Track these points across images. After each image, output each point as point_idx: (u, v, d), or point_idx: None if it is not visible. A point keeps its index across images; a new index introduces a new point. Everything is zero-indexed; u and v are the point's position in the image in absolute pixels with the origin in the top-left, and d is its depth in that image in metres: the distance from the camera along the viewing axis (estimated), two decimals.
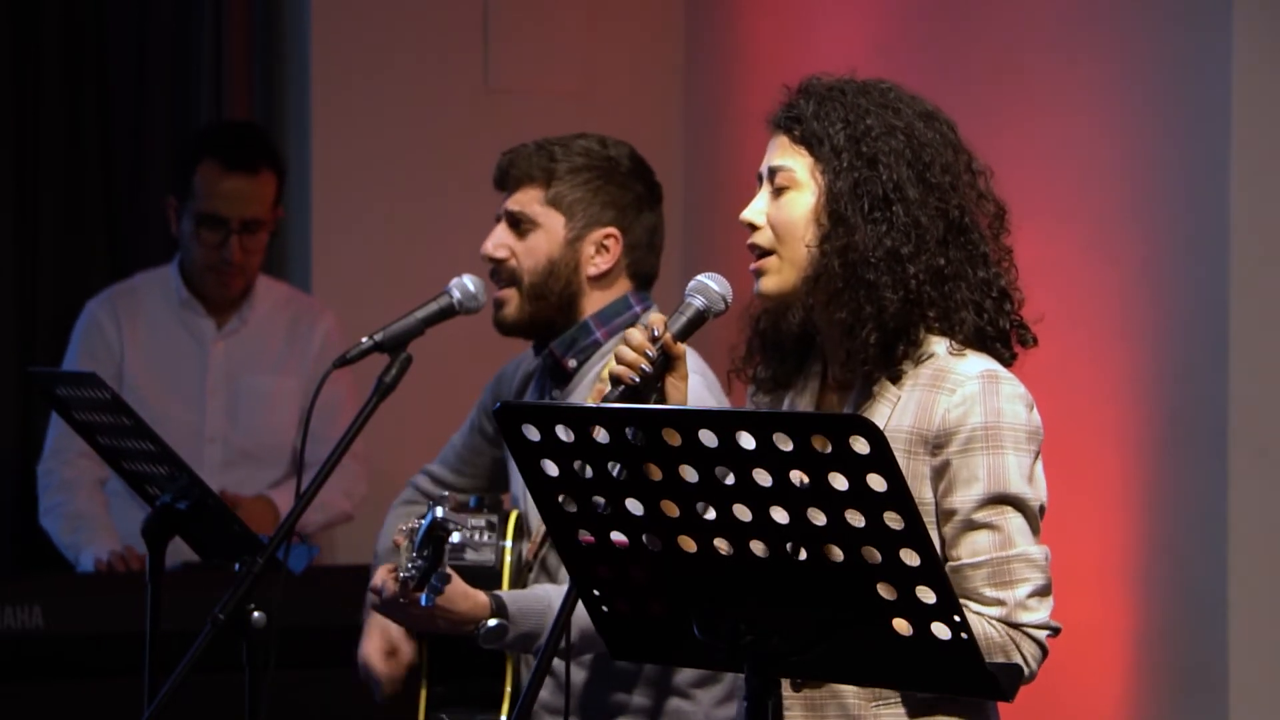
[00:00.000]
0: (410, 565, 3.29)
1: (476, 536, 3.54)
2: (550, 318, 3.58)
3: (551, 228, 3.58)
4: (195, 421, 4.98)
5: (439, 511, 3.24)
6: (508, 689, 3.54)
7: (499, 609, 3.35)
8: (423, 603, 3.27)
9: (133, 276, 5.24)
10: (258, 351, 5.11)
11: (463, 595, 3.34)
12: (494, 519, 3.55)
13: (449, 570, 3.25)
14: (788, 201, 2.79)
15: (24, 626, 4.40)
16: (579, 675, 3.50)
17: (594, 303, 3.59)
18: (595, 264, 3.58)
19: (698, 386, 3.37)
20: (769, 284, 2.81)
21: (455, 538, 3.27)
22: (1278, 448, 4.17)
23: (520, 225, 3.59)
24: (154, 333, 5.06)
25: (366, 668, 3.66)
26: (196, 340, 5.08)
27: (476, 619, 3.34)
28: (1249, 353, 4.17)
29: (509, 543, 3.54)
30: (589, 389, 3.53)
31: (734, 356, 2.95)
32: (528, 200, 3.58)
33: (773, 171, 2.81)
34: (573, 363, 3.58)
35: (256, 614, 3.07)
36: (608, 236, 3.58)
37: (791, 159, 2.80)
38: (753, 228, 2.82)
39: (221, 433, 5.01)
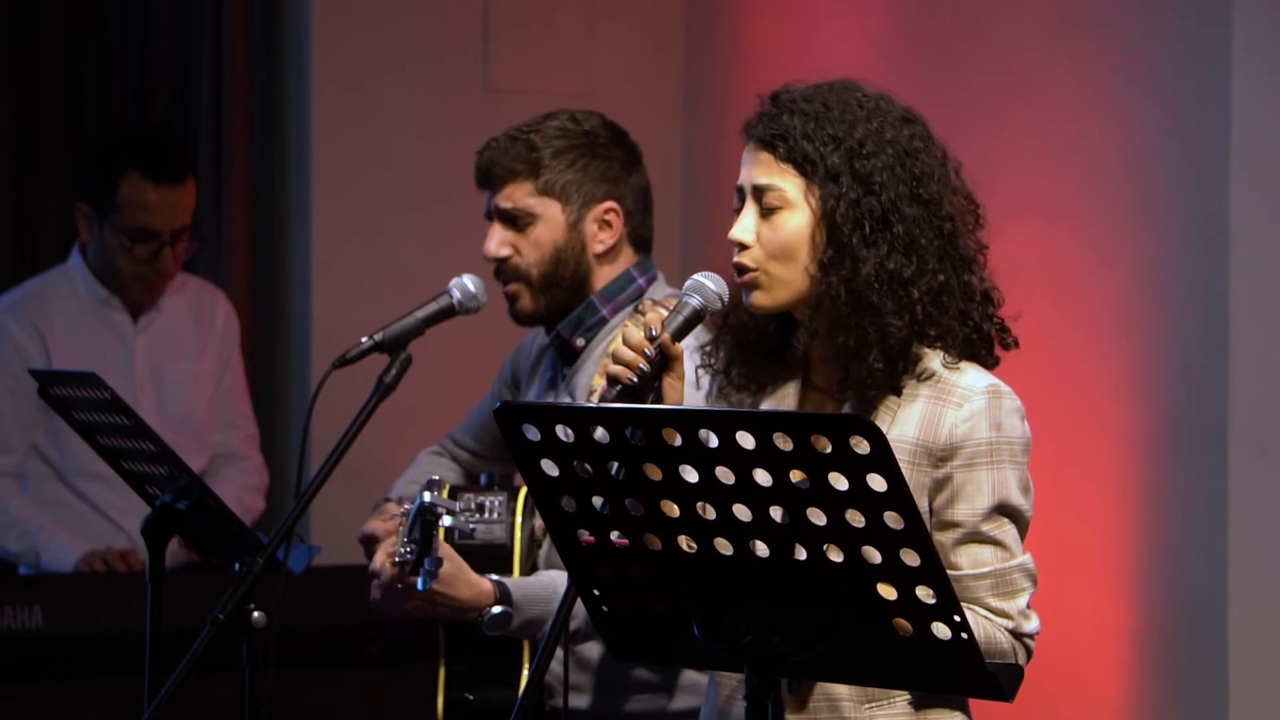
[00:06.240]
0: (404, 549, 3.30)
1: (486, 514, 3.54)
2: (564, 304, 3.58)
3: (550, 216, 3.56)
4: None
5: (427, 496, 3.24)
6: (525, 666, 3.53)
7: (503, 596, 3.35)
8: (419, 586, 3.27)
9: (24, 283, 5.12)
10: (173, 341, 5.09)
11: (466, 583, 3.33)
12: (504, 496, 3.55)
13: (441, 555, 3.26)
14: (781, 222, 2.76)
15: (24, 626, 4.40)
16: (594, 651, 3.49)
17: (602, 279, 3.58)
18: (601, 240, 3.57)
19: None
20: (761, 299, 2.78)
21: (446, 521, 3.26)
22: (1278, 448, 4.17)
23: (518, 221, 3.57)
24: (75, 333, 4.99)
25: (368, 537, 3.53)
26: (119, 336, 5.03)
27: (480, 606, 3.34)
28: (1249, 353, 4.17)
29: (519, 519, 3.53)
30: (595, 366, 3.53)
31: (704, 352, 2.92)
32: (519, 195, 3.56)
33: (759, 190, 2.77)
34: (580, 341, 3.58)
35: (256, 614, 3.07)
36: (608, 211, 3.57)
37: (780, 178, 2.76)
38: (742, 247, 2.78)
39: (155, 425, 4.97)
